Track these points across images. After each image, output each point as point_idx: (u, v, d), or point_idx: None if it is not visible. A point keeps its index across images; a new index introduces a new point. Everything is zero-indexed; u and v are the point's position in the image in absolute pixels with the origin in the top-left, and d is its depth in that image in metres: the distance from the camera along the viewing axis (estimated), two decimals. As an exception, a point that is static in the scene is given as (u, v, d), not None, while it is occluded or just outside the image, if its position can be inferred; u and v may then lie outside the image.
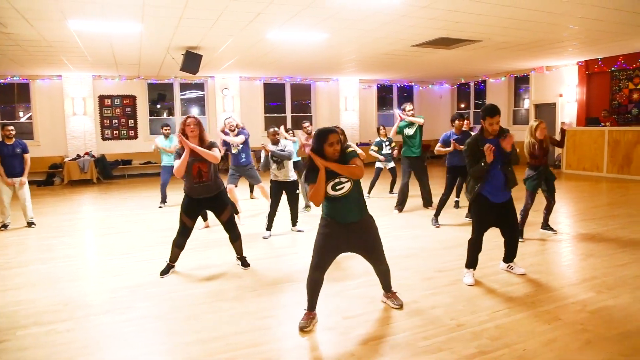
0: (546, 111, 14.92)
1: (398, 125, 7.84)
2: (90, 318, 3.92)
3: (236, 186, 7.70)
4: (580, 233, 6.45)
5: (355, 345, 3.32)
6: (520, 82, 16.11)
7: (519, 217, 6.07)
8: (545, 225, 6.47)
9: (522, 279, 4.59)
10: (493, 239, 5.43)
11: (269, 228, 6.58)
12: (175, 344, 3.43)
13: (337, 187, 3.46)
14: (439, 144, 7.31)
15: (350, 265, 5.10)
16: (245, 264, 5.20)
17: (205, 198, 4.86)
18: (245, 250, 5.27)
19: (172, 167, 8.76)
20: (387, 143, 9.25)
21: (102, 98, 14.35)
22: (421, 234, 6.55)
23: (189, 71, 9.79)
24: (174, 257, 5.04)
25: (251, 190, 10.03)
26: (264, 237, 6.48)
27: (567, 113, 14.07)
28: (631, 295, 4.11)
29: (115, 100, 14.52)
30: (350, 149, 3.57)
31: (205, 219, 7.36)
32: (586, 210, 7.94)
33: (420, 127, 7.75)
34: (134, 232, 7.10)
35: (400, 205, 8.09)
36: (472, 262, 4.59)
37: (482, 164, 4.28)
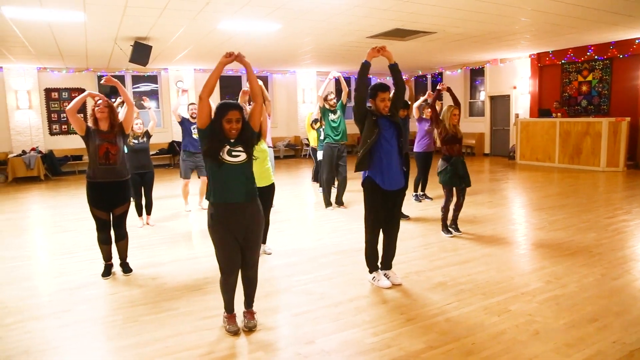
0: (501, 103, 15.19)
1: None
2: (22, 324, 3.65)
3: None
4: (532, 222, 6.54)
5: (302, 344, 3.20)
6: (476, 74, 16.32)
7: (440, 213, 5.93)
8: (454, 223, 5.98)
9: (475, 270, 4.57)
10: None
11: None
12: (110, 349, 3.23)
13: (233, 154, 3.21)
14: None
15: (299, 261, 5.00)
16: (127, 270, 4.80)
17: (109, 183, 4.52)
18: (194, 246, 5.05)
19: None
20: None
21: (48, 91, 13.65)
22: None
23: (138, 63, 9.39)
24: (106, 256, 4.76)
25: None
26: None
27: (521, 105, 14.34)
28: (578, 284, 4.15)
29: (63, 94, 13.85)
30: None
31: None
32: (538, 200, 8.08)
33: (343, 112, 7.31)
34: (79, 230, 6.74)
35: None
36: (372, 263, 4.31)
37: (364, 61, 4.13)
